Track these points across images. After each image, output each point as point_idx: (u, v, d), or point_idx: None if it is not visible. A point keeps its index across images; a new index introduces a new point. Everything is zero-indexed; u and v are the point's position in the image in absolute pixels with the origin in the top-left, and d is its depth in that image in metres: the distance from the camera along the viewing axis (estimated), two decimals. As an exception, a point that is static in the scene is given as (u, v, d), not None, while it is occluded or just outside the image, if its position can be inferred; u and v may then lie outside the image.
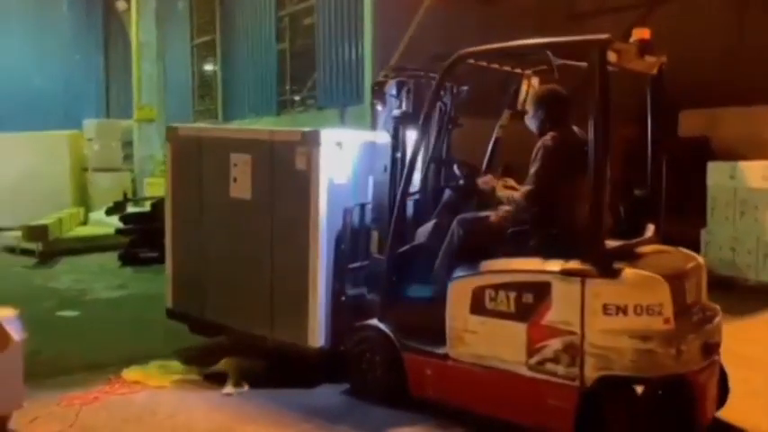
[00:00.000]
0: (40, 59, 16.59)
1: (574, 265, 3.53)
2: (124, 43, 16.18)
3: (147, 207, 10.29)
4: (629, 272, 3.43)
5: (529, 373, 3.65)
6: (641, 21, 8.22)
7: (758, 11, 9.77)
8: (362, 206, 4.67)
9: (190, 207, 5.28)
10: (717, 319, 3.77)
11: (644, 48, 3.64)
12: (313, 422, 4.02)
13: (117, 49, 17.62)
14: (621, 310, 3.37)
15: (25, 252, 10.02)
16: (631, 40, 3.66)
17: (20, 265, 9.45)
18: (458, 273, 3.95)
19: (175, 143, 5.42)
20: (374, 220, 4.66)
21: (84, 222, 12.39)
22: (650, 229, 4.12)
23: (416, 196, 4.75)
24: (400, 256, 4.31)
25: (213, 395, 4.39)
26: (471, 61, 4.19)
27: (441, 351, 4.00)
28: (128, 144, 14.38)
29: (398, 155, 4.46)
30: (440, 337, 4.00)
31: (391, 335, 4.21)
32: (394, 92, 4.49)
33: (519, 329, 3.66)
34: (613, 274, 3.43)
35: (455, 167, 4.48)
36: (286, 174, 4.57)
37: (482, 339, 3.83)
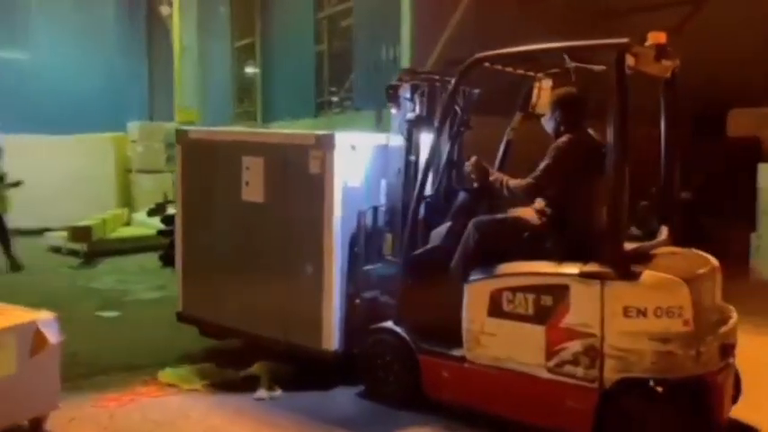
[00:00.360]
0: (86, 64, 16.87)
1: (592, 267, 3.55)
2: (167, 47, 16.39)
3: None
4: (648, 274, 3.46)
5: (547, 376, 3.67)
6: (685, 18, 8.04)
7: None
8: (376, 209, 4.68)
9: (201, 210, 5.29)
10: (732, 321, 3.80)
11: (661, 51, 3.66)
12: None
13: (160, 53, 17.89)
14: (641, 312, 3.40)
15: (71, 252, 10.16)
16: (647, 43, 3.68)
17: (65, 266, 9.55)
18: (474, 275, 3.97)
19: (186, 146, 5.41)
20: (387, 223, 4.68)
21: (128, 223, 12.50)
22: (664, 231, 4.14)
23: (429, 198, 4.77)
24: (415, 259, 4.32)
25: (246, 399, 4.40)
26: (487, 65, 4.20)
27: (457, 353, 4.02)
28: (170, 146, 14.41)
29: (412, 158, 4.48)
30: (456, 340, 4.02)
31: (406, 337, 4.23)
32: (408, 95, 4.51)
33: (537, 332, 3.69)
34: (633, 277, 3.45)
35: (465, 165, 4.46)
36: (300, 177, 4.58)
37: (499, 342, 3.85)
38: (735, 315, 3.86)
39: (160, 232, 9.82)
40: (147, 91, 18.36)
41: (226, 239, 5.10)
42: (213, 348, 5.22)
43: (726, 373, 3.65)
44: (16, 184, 9.06)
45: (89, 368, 4.92)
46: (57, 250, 10.45)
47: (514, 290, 3.77)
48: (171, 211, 10.76)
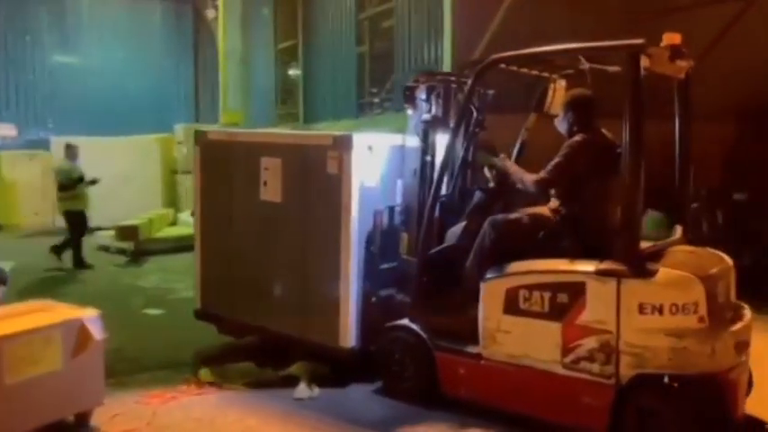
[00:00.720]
0: (134, 67, 17.20)
1: (608, 265, 3.60)
2: (212, 50, 16.70)
3: None
4: (664, 272, 3.50)
5: (563, 372, 3.72)
6: (739, 15, 7.87)
7: None
8: (392, 208, 4.75)
9: (219, 210, 5.36)
10: (747, 318, 3.83)
11: (675, 52, 3.70)
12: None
13: (206, 56, 18.16)
14: (657, 309, 3.45)
15: (118, 251, 10.49)
16: (662, 44, 3.72)
17: (112, 264, 9.82)
18: (490, 273, 4.02)
19: (204, 147, 5.49)
20: (403, 222, 4.75)
21: (173, 223, 12.75)
22: (678, 230, 4.19)
23: (444, 198, 4.82)
24: (431, 258, 4.38)
25: (285, 399, 4.42)
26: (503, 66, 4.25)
27: (473, 350, 4.08)
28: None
29: (428, 158, 4.55)
30: (472, 337, 4.07)
31: (423, 335, 4.29)
32: (424, 96, 4.57)
33: (553, 329, 3.74)
34: (649, 274, 3.50)
35: (485, 170, 4.53)
36: (317, 177, 4.65)
37: (516, 339, 3.91)
38: (749, 313, 3.90)
39: None
40: (192, 93, 18.63)
41: (243, 239, 5.18)
42: (253, 348, 5.26)
43: (740, 370, 3.69)
44: (93, 182, 9.38)
45: (133, 364, 5.05)
46: (105, 249, 10.73)
47: (530, 288, 3.83)
48: None
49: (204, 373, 4.82)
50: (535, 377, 3.82)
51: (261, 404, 4.37)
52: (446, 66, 8.61)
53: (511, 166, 4.30)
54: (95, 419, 3.96)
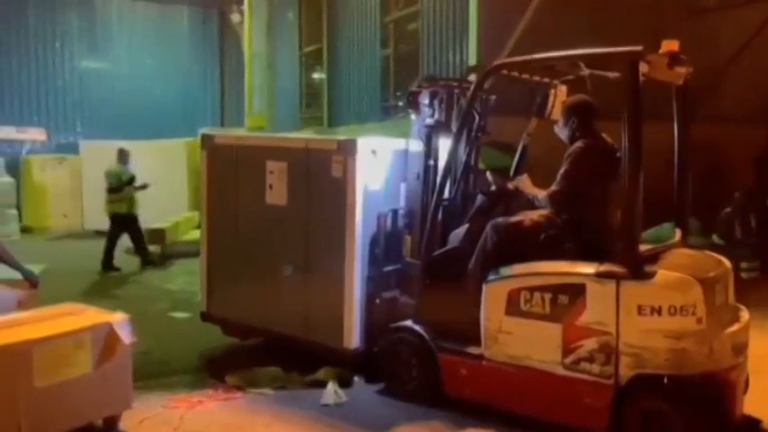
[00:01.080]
0: (162, 72, 17.41)
1: (608, 267, 3.67)
2: (238, 54, 16.81)
3: None
4: (662, 274, 3.57)
5: (564, 373, 3.79)
6: None
7: None
8: (395, 211, 4.82)
9: (225, 213, 5.44)
10: (744, 320, 3.90)
11: (674, 59, 3.77)
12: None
13: (231, 60, 18.31)
14: (656, 310, 3.51)
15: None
16: (661, 51, 3.79)
17: (139, 267, 9.80)
18: (492, 275, 4.09)
19: (210, 150, 5.57)
20: (407, 225, 4.82)
21: (199, 226, 12.59)
22: (677, 233, 4.25)
23: (447, 201, 4.89)
24: (434, 260, 4.45)
25: (311, 405, 4.39)
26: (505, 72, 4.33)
27: (475, 351, 4.14)
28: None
29: (431, 162, 4.62)
30: (474, 338, 4.14)
31: (426, 336, 4.35)
32: (427, 101, 4.64)
33: (554, 330, 3.80)
34: (648, 276, 3.56)
35: (487, 174, 4.62)
36: (322, 181, 4.73)
37: (517, 340, 3.97)
38: (747, 315, 3.96)
39: None
40: (218, 97, 18.80)
41: (249, 241, 5.26)
42: (280, 353, 5.20)
43: (738, 371, 3.75)
44: (144, 186, 9.54)
45: (160, 367, 5.07)
46: (132, 251, 10.70)
47: (532, 289, 3.89)
48: None
49: (231, 378, 4.80)
50: (536, 378, 3.89)
51: (288, 409, 4.34)
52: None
53: (525, 188, 4.33)
54: (123, 424, 3.96)
